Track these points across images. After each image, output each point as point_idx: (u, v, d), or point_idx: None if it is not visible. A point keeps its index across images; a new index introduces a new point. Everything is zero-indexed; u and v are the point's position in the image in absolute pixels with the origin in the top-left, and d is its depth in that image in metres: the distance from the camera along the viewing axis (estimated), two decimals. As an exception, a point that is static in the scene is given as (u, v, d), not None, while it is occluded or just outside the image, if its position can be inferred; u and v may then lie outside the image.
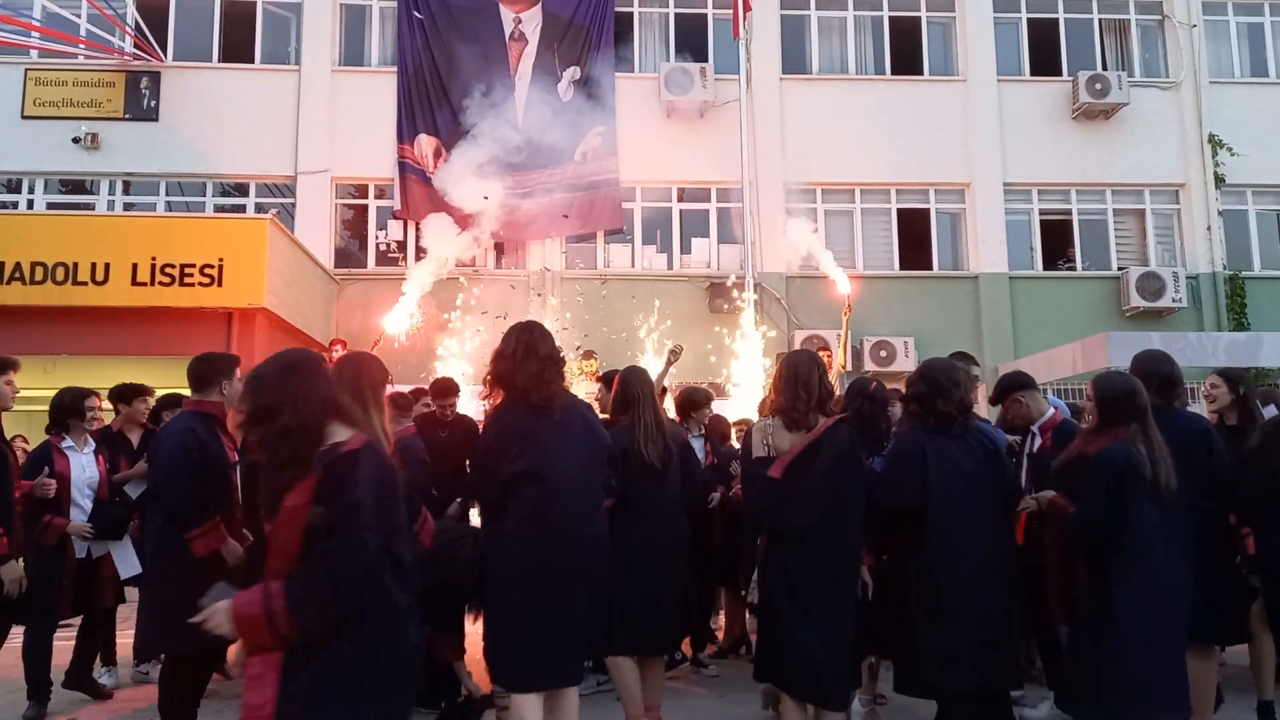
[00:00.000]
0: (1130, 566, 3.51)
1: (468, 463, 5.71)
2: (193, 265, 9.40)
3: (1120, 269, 13.79)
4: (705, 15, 14.16)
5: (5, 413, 4.90)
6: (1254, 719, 4.66)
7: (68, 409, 5.29)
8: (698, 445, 6.07)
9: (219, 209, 13.36)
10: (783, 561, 3.82)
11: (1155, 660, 3.46)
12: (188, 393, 4.58)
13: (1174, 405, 4.30)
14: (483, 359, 11.48)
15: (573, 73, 13.27)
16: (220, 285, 9.43)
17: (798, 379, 3.87)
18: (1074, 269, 14.10)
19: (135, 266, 9.35)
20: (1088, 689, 3.54)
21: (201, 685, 4.42)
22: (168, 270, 9.37)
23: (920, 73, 14.33)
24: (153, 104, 13.30)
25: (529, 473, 3.63)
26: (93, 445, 5.46)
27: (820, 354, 10.75)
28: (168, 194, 13.45)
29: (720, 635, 6.83)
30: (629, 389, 4.59)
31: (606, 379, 5.70)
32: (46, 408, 5.38)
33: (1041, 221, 14.10)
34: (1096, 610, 3.57)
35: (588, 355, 10.20)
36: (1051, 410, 4.91)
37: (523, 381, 3.68)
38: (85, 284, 9.27)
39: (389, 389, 3.67)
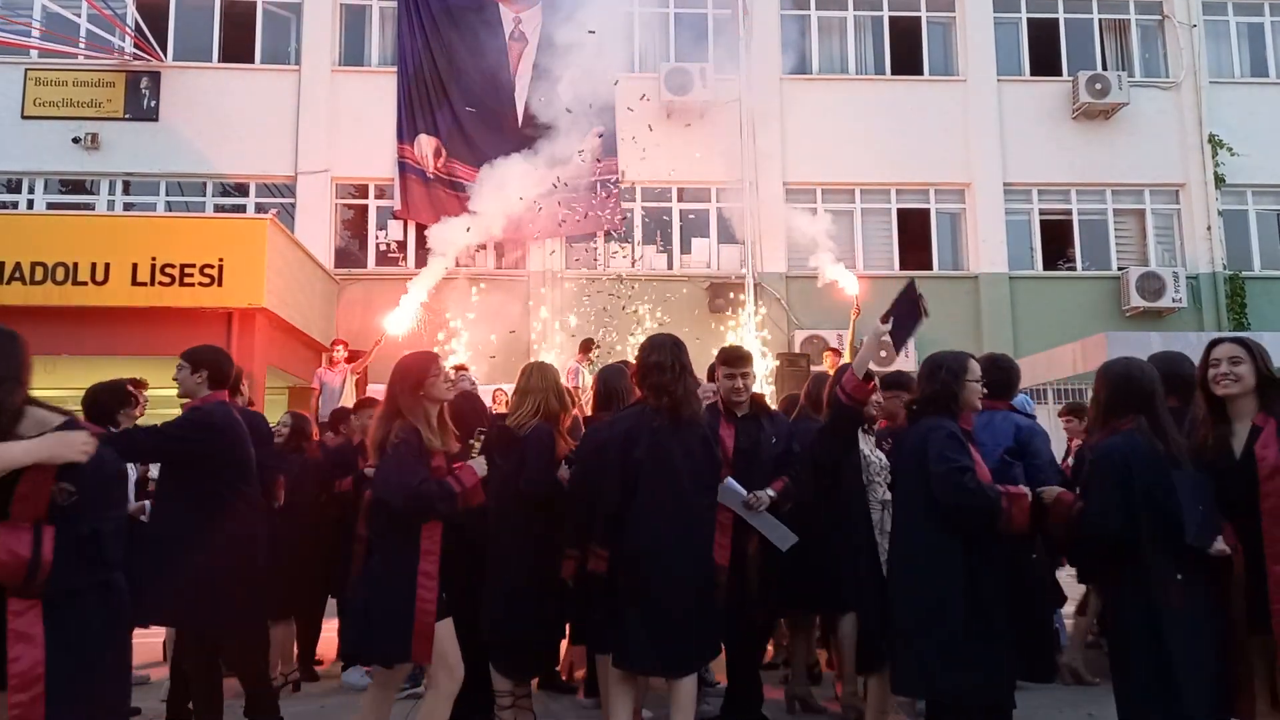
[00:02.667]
0: (1131, 567, 3.46)
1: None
2: (193, 265, 9.41)
3: (1120, 269, 13.79)
4: (705, 15, 14.17)
5: None
6: None
7: (119, 397, 4.76)
8: None
9: (219, 209, 13.35)
10: None
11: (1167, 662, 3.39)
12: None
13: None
14: (481, 358, 11.52)
15: (573, 73, 13.26)
16: (220, 285, 9.44)
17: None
18: (1074, 269, 14.10)
19: (135, 266, 9.36)
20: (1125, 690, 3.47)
21: None
22: (168, 270, 9.38)
23: (920, 73, 14.33)
24: (153, 104, 13.29)
25: (640, 479, 3.79)
26: None
27: (826, 354, 10.81)
28: (168, 194, 13.44)
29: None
30: (607, 386, 4.62)
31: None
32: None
33: (1041, 221, 14.10)
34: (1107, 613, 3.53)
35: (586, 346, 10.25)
36: None
37: (680, 395, 3.82)
38: (85, 284, 9.28)
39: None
